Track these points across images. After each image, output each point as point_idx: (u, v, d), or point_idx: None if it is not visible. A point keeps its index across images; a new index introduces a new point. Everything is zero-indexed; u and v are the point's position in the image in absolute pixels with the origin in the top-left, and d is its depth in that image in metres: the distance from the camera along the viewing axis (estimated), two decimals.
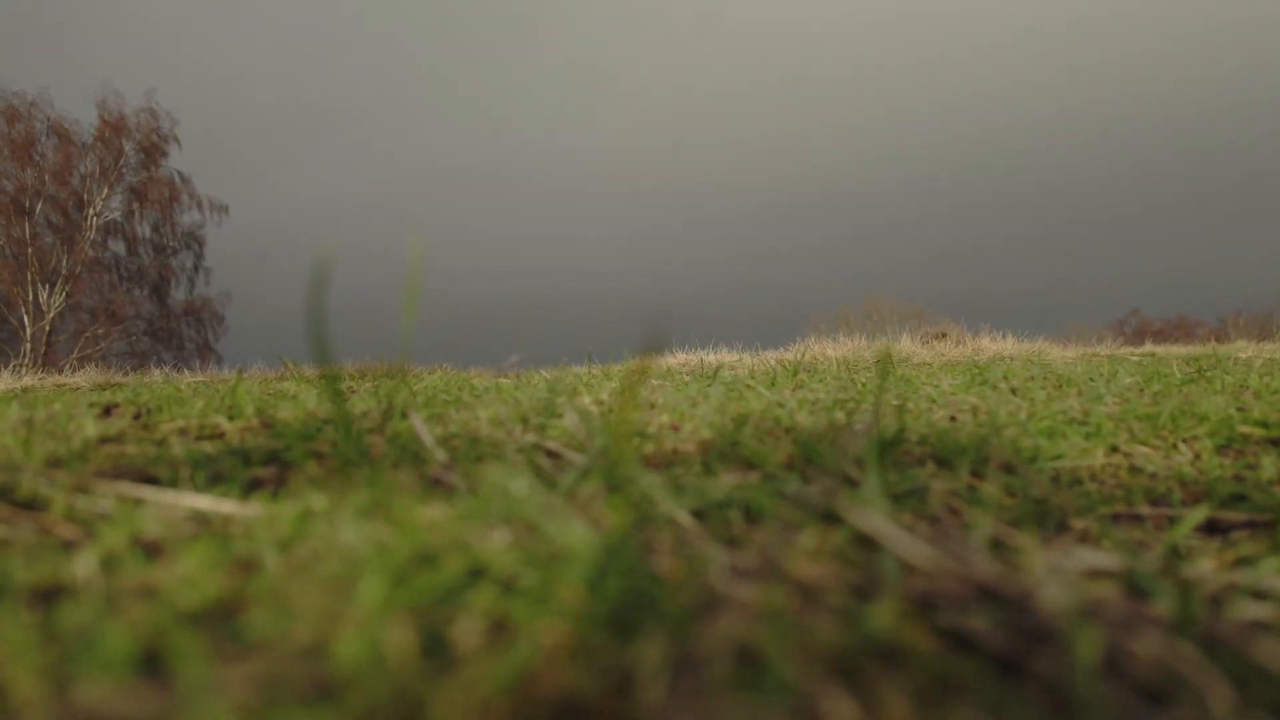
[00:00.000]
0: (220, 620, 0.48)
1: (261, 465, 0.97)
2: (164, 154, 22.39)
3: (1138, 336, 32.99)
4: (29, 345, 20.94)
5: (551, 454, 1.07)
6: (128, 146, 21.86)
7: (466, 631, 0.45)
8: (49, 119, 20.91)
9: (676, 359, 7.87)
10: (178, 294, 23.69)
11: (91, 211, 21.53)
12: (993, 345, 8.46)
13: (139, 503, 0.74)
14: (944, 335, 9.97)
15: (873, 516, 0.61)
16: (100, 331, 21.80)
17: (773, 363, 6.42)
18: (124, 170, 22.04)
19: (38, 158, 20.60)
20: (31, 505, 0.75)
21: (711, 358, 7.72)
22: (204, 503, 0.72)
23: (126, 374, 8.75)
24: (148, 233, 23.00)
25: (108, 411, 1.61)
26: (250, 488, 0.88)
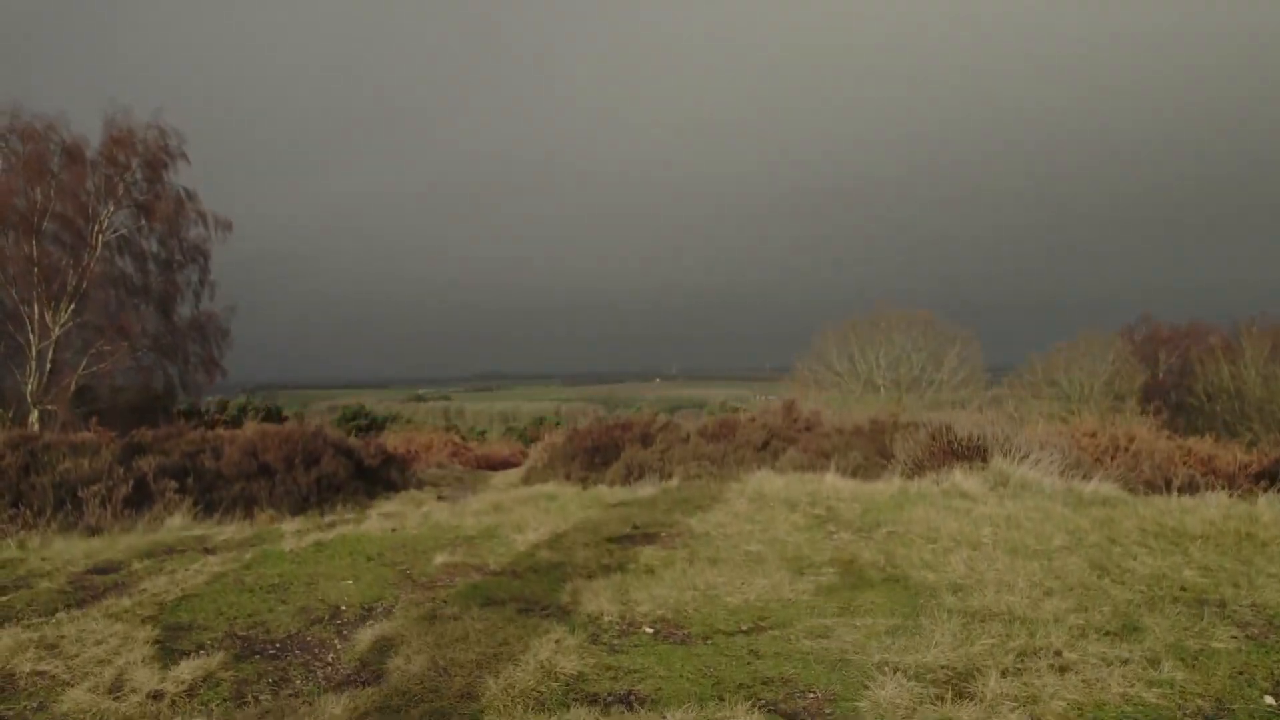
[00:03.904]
0: None
1: None
2: (172, 170, 22.02)
3: (1148, 343, 32.09)
4: (34, 363, 20.64)
5: None
6: (134, 163, 21.44)
7: None
8: (64, 140, 20.49)
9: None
10: (183, 309, 23.45)
11: (98, 228, 21.15)
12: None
13: None
14: (982, 456, 7.51)
15: None
16: (107, 349, 21.54)
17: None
18: (130, 187, 21.64)
19: (49, 176, 20.17)
20: None
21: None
22: None
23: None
24: (154, 248, 22.68)
25: None
26: None
